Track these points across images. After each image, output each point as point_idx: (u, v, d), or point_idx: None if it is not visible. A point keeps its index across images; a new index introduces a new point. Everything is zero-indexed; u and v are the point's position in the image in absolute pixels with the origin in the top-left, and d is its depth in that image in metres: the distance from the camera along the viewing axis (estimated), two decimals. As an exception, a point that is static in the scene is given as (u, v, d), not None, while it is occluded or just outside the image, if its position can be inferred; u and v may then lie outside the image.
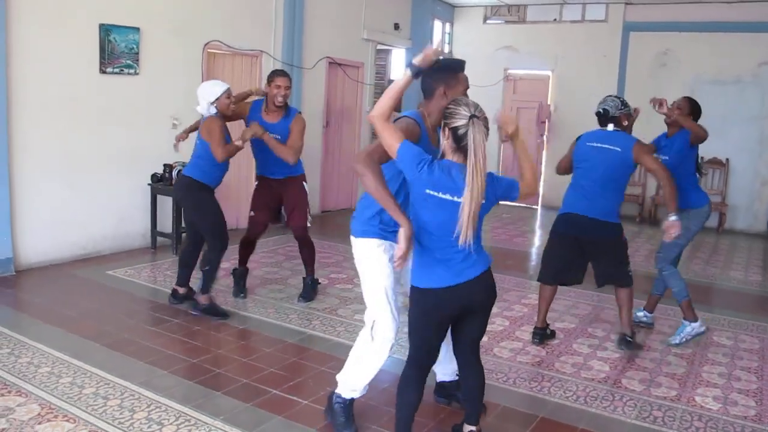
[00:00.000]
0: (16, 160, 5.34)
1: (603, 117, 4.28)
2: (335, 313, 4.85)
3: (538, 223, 9.73)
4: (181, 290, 4.86)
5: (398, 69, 10.93)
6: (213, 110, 4.46)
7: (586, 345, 4.49)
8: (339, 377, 3.17)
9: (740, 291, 6.33)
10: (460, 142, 2.54)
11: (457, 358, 2.97)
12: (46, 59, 5.45)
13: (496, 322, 4.83)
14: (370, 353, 3.06)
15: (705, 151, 8.87)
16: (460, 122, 2.53)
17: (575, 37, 10.50)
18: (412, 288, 2.73)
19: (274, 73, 4.85)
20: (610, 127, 4.25)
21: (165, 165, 6.26)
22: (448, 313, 2.71)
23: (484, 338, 4.52)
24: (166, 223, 6.43)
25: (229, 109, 4.57)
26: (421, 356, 2.81)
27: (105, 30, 5.81)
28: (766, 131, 9.37)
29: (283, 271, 5.93)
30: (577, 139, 4.41)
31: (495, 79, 10.96)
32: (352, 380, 3.12)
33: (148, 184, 6.37)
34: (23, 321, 4.43)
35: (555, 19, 10.80)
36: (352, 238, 3.08)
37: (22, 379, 3.46)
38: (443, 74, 2.85)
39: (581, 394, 3.70)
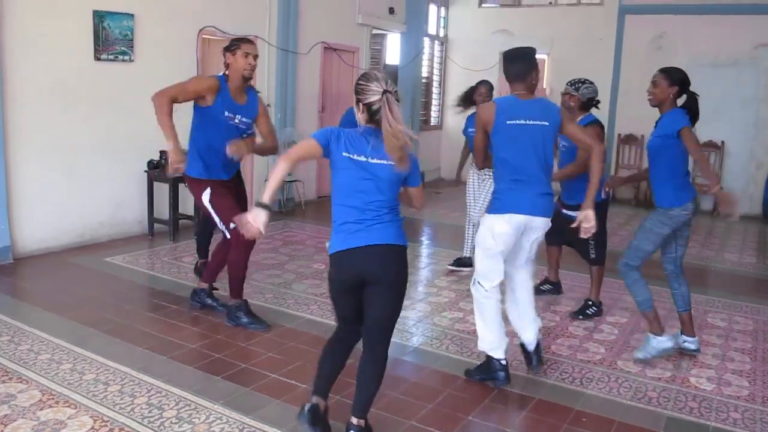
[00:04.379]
0: (12, 149, 5.32)
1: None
2: (329, 297, 4.86)
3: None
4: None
5: (393, 53, 10.88)
6: None
7: (582, 327, 4.53)
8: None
9: (735, 273, 6.37)
10: (374, 117, 2.63)
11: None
12: (41, 46, 5.42)
13: (492, 306, 4.87)
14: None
15: (700, 134, 8.86)
16: (373, 98, 2.59)
17: (571, 21, 10.47)
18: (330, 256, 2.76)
19: (242, 40, 4.07)
20: None
21: (161, 152, 6.24)
22: (347, 278, 2.71)
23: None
24: (162, 210, 6.44)
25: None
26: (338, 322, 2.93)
27: (99, 16, 5.78)
28: (762, 114, 9.38)
29: (281, 257, 5.95)
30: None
31: (490, 63, 10.92)
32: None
33: (145, 171, 6.36)
34: (22, 308, 4.45)
35: (551, 2, 10.77)
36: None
37: (23, 366, 3.49)
38: None
39: (577, 375, 3.74)
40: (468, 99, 5.61)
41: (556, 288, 5.21)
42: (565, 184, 4.70)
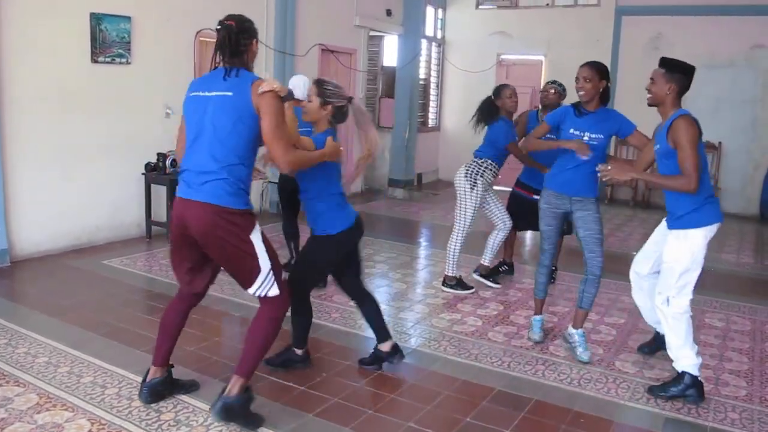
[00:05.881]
0: (9, 152, 5.32)
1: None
2: (331, 300, 4.87)
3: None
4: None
5: (391, 55, 10.89)
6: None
7: (580, 328, 4.53)
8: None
9: (732, 273, 6.38)
10: (340, 118, 3.34)
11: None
12: (38, 49, 5.42)
13: (490, 307, 4.87)
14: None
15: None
16: (342, 102, 3.30)
17: (568, 22, 10.48)
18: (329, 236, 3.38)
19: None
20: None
21: (159, 154, 6.24)
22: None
23: (479, 323, 4.56)
24: (160, 213, 6.43)
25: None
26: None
27: (96, 19, 5.78)
28: (759, 115, 9.40)
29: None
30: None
31: (488, 65, 10.94)
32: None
33: (142, 174, 6.36)
34: (20, 311, 4.44)
35: (547, 4, 10.77)
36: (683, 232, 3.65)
37: (20, 369, 3.48)
38: None
39: (575, 376, 3.74)
40: (490, 109, 5.12)
41: (510, 269, 5.70)
42: (531, 171, 5.27)
